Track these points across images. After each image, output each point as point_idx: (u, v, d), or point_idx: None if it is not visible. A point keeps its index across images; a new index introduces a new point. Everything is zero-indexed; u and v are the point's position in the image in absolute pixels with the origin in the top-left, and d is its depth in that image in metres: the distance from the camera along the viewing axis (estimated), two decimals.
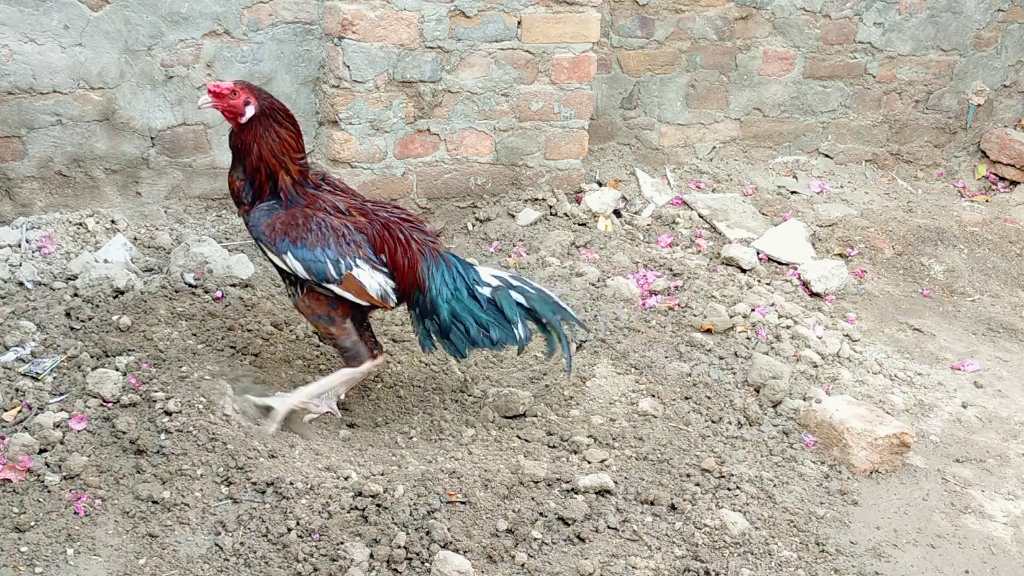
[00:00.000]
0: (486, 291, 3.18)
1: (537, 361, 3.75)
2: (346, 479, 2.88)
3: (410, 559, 2.65)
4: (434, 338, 3.20)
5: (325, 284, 3.05)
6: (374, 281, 3.08)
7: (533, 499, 2.91)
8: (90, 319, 3.48)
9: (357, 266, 3.05)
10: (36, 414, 2.96)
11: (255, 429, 3.05)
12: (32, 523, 2.61)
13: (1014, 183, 5.89)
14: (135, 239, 4.12)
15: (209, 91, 3.00)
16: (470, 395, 3.53)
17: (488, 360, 3.73)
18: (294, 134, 3.06)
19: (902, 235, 5.13)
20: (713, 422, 3.45)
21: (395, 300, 3.16)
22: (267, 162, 3.03)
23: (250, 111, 3.01)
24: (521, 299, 3.19)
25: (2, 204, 4.09)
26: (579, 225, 4.70)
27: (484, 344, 3.17)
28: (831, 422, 3.37)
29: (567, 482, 2.99)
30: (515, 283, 3.23)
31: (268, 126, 3.01)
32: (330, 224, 3.04)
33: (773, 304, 4.23)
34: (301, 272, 3.04)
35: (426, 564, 2.64)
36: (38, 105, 4.02)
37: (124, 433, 2.88)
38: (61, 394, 3.06)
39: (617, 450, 3.23)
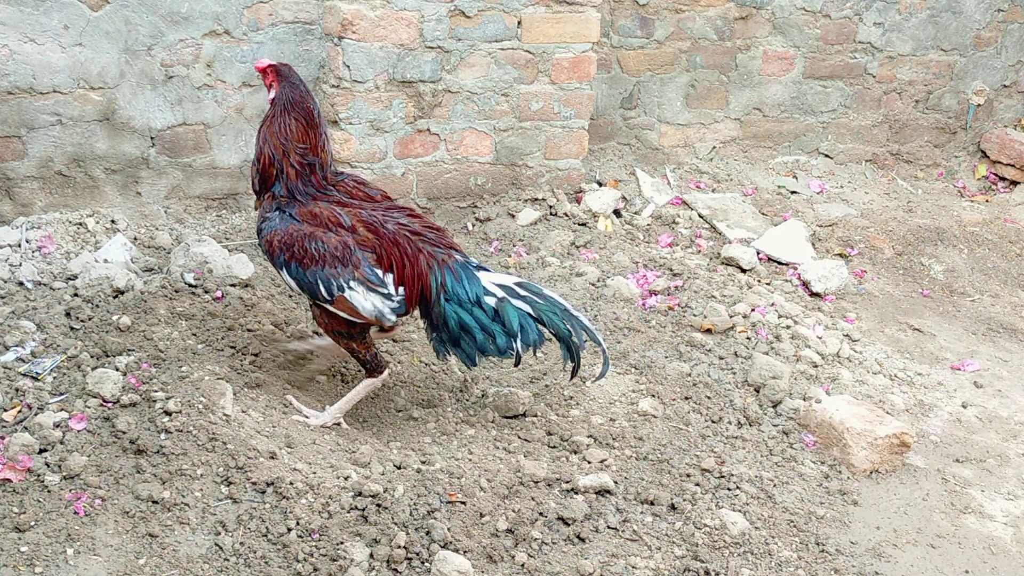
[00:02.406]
0: (491, 301, 3.17)
1: (537, 361, 3.75)
2: (346, 479, 2.88)
3: (410, 559, 2.65)
4: (447, 346, 3.22)
5: (318, 302, 3.13)
6: (368, 303, 3.10)
7: (533, 499, 2.91)
8: (90, 319, 3.48)
9: (350, 287, 3.07)
10: (36, 414, 2.96)
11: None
12: (32, 523, 2.61)
13: (1014, 183, 5.89)
14: (135, 239, 4.12)
15: (256, 67, 3.24)
16: (470, 395, 3.53)
17: (489, 360, 3.72)
18: (303, 126, 3.13)
19: (902, 235, 5.13)
20: (713, 422, 3.45)
21: (392, 320, 3.18)
22: (270, 142, 3.13)
23: (271, 93, 3.18)
24: (527, 308, 3.16)
25: (2, 204, 4.09)
26: (579, 225, 4.70)
27: (491, 352, 3.17)
28: (831, 422, 3.37)
29: (567, 482, 2.99)
30: (522, 292, 3.19)
31: (281, 111, 3.14)
32: (328, 244, 3.06)
33: (773, 304, 4.23)
34: (294, 287, 3.14)
35: (426, 564, 2.64)
36: (38, 105, 4.02)
37: (124, 433, 2.88)
38: (61, 394, 3.06)
39: (617, 450, 3.23)
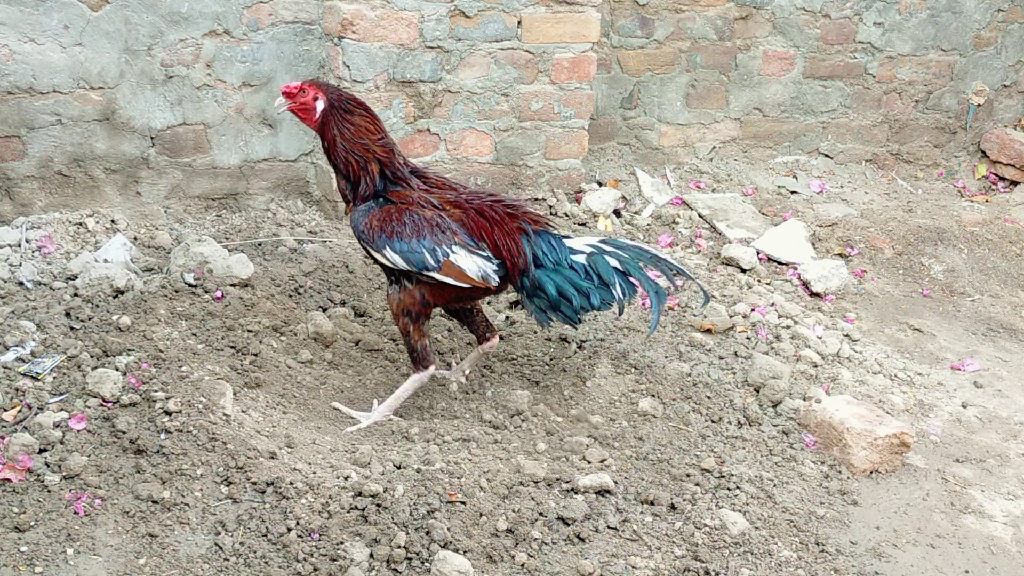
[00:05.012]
0: (581, 258, 3.32)
1: (537, 361, 3.75)
2: (346, 479, 2.88)
3: (410, 559, 2.65)
4: (547, 313, 3.34)
5: (426, 272, 3.19)
6: (473, 264, 3.21)
7: (533, 499, 2.91)
8: (90, 319, 3.48)
9: (454, 252, 3.18)
10: (36, 414, 2.96)
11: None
12: (32, 523, 2.61)
13: (1014, 183, 5.89)
14: (135, 239, 4.12)
15: (283, 92, 3.19)
16: (470, 395, 3.53)
17: (488, 359, 3.73)
18: (368, 118, 3.21)
19: (902, 235, 5.13)
20: (713, 422, 3.45)
21: (497, 280, 3.28)
22: (352, 150, 3.17)
23: (320, 105, 3.16)
24: (615, 263, 3.33)
25: (2, 204, 4.09)
26: (579, 225, 4.70)
27: (589, 309, 3.33)
28: (831, 422, 3.37)
29: (567, 482, 2.99)
30: (608, 248, 3.37)
31: (341, 116, 3.16)
32: (423, 216, 3.17)
33: (773, 304, 4.23)
34: (401, 264, 3.19)
35: (426, 564, 2.63)
36: (38, 105, 4.02)
37: (124, 433, 2.88)
38: (61, 394, 3.06)
39: (617, 450, 3.23)
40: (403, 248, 3.15)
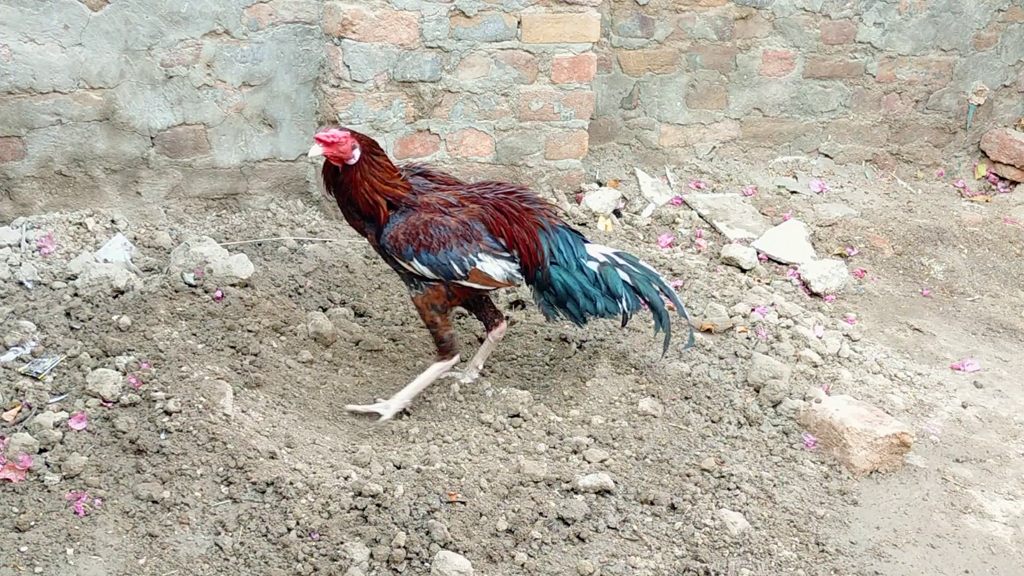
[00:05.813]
0: (593, 265, 3.41)
1: (537, 361, 3.75)
2: (346, 479, 2.88)
3: (410, 559, 2.65)
4: (555, 308, 3.46)
5: (453, 280, 3.28)
6: (498, 268, 3.32)
7: (533, 499, 2.91)
8: (90, 319, 3.48)
9: (480, 260, 3.27)
10: (36, 414, 2.96)
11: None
12: (32, 523, 2.61)
13: (1014, 183, 5.88)
14: (135, 239, 4.12)
15: (319, 141, 3.19)
16: (470, 395, 3.52)
17: (488, 359, 3.72)
18: (385, 158, 3.28)
19: (902, 235, 5.13)
20: (713, 422, 3.45)
21: (521, 279, 3.39)
22: (382, 192, 3.24)
23: (357, 153, 3.21)
24: (626, 277, 3.45)
25: (2, 204, 4.09)
26: (579, 225, 4.70)
27: (593, 313, 3.44)
28: (831, 422, 3.37)
29: (567, 482, 2.99)
30: (621, 261, 3.48)
31: (370, 162, 3.23)
32: (448, 226, 3.24)
33: (773, 304, 4.23)
34: (429, 274, 3.27)
35: (426, 564, 2.64)
36: (38, 105, 4.03)
37: (124, 433, 2.88)
38: (61, 394, 3.06)
39: (617, 450, 3.23)
40: (431, 260, 3.23)
